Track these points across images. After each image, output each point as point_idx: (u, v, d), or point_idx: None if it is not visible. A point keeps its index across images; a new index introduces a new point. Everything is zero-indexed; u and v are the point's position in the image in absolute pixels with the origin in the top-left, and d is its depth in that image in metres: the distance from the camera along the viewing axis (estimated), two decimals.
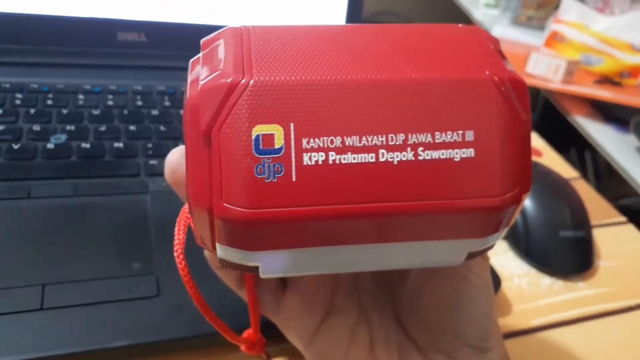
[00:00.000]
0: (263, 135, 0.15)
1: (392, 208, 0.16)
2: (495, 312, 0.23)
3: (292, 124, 0.16)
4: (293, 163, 0.15)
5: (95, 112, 0.42)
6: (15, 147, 0.37)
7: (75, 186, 0.36)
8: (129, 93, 0.46)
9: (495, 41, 0.18)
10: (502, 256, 0.41)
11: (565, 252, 0.40)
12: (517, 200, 0.17)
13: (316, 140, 0.16)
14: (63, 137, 0.39)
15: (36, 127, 0.39)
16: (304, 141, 0.16)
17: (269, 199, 0.15)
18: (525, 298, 0.37)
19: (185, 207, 0.22)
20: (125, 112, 0.43)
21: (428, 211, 0.16)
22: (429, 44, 0.17)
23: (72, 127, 0.40)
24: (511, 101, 0.16)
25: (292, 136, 0.15)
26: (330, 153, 0.16)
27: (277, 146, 0.15)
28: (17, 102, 0.42)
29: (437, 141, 0.16)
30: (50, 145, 0.38)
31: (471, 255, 0.19)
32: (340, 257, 0.18)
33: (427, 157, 0.16)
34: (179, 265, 0.22)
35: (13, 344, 0.26)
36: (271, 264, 0.18)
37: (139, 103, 0.45)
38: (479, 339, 0.23)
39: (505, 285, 0.38)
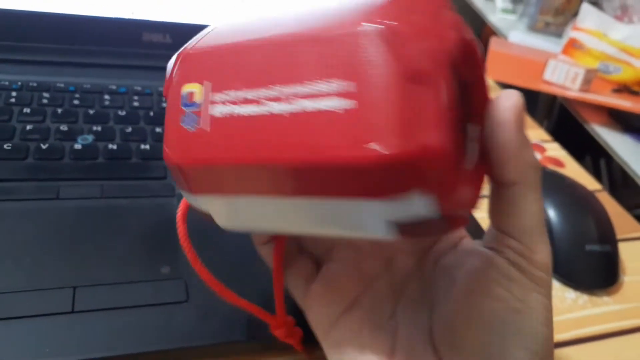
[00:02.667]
0: (188, 92, 0.19)
1: (281, 158, 0.17)
2: (545, 347, 0.21)
3: (207, 82, 0.18)
4: (207, 114, 0.18)
5: (121, 113, 0.43)
6: (44, 147, 0.37)
7: (102, 188, 0.36)
8: (154, 94, 0.46)
9: None
10: None
11: (591, 267, 0.39)
12: (414, 158, 0.15)
13: (222, 95, 0.18)
14: (90, 138, 0.39)
15: (63, 127, 0.39)
16: (215, 96, 0.18)
17: (190, 146, 0.18)
18: None
19: None
20: (151, 113, 0.43)
21: (315, 162, 0.16)
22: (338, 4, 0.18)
23: (99, 128, 0.40)
24: (401, 51, 0.15)
25: (207, 92, 0.18)
26: (233, 106, 0.18)
27: (196, 101, 0.18)
28: (45, 101, 0.42)
29: (319, 92, 0.16)
30: (77, 146, 0.38)
31: (402, 230, 0.17)
32: (261, 209, 0.19)
33: (310, 108, 0.16)
34: (178, 228, 0.24)
35: (45, 346, 0.26)
36: (216, 212, 0.21)
37: (164, 105, 0.44)
38: None
39: None
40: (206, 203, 0.20)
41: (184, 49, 0.20)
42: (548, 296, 0.22)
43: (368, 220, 0.18)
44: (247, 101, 0.17)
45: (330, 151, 0.16)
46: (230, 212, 0.20)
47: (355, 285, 0.25)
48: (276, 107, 0.17)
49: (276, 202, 0.18)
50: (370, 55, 0.15)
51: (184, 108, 0.18)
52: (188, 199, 0.21)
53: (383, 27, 0.16)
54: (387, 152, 0.15)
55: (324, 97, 0.16)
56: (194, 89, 0.18)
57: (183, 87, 0.19)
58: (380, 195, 0.16)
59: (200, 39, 0.20)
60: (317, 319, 0.25)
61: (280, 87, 0.17)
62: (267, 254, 0.26)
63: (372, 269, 0.26)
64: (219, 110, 0.18)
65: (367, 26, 0.16)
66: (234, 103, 0.17)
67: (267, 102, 0.17)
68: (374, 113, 0.15)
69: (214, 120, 0.18)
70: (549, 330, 0.21)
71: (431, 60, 0.15)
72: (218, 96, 0.18)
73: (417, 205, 0.16)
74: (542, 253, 0.21)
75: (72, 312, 0.28)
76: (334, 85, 0.16)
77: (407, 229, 0.17)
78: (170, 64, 0.20)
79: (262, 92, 0.17)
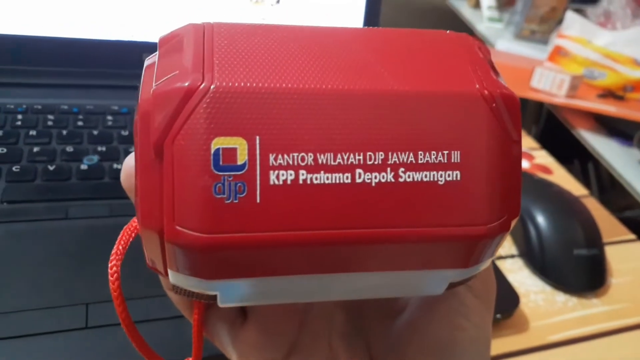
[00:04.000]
0: (224, 149, 0.13)
1: (369, 235, 0.14)
2: None
3: (257, 137, 0.14)
4: (258, 182, 0.13)
5: (124, 133, 0.44)
6: (51, 168, 0.39)
7: (110, 207, 0.37)
8: None
9: (486, 51, 0.17)
10: (519, 273, 0.42)
11: (580, 270, 0.41)
12: (506, 228, 0.15)
13: (285, 156, 0.14)
14: (95, 158, 0.41)
15: (69, 149, 0.41)
16: (271, 157, 0.14)
17: (228, 223, 0.13)
18: (541, 314, 0.39)
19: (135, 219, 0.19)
20: None
21: (408, 239, 0.14)
22: (414, 52, 0.16)
23: (103, 148, 0.42)
24: (502, 119, 0.15)
25: (258, 151, 0.14)
26: (301, 172, 0.14)
27: (239, 162, 0.14)
28: (50, 123, 0.43)
29: (419, 162, 0.14)
30: (83, 166, 0.40)
31: (452, 285, 0.17)
32: (309, 286, 0.16)
33: (408, 179, 0.14)
34: (110, 279, 0.19)
35: None
36: (231, 293, 0.16)
37: None
38: None
39: (522, 302, 0.39)
40: (220, 287, 0.16)
41: (195, 82, 0.14)
42: (492, 317, 0.22)
43: (438, 283, 0.17)
44: (320, 167, 0.14)
45: (434, 225, 0.14)
46: (252, 292, 0.16)
47: (290, 325, 0.22)
48: (363, 176, 0.14)
49: (332, 278, 0.16)
50: (481, 124, 0.15)
51: (216, 171, 0.13)
52: (182, 282, 0.16)
53: (494, 92, 0.15)
54: (492, 226, 0.15)
55: (430, 167, 0.14)
56: (234, 145, 0.13)
57: (214, 142, 0.13)
58: (469, 265, 0.16)
59: (206, 58, 0.14)
60: None
61: (369, 152, 0.14)
62: (176, 298, 0.22)
63: (301, 302, 0.22)
64: (275, 177, 0.14)
65: (480, 90, 0.15)
66: (299, 168, 0.14)
67: (351, 168, 0.14)
68: (480, 185, 0.14)
69: (268, 189, 0.13)
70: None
71: (518, 126, 0.15)
72: (275, 157, 0.14)
73: (485, 265, 0.17)
74: (492, 273, 0.21)
75: (86, 327, 0.29)
76: (441, 154, 0.14)
77: (456, 284, 0.17)
78: (162, 94, 0.14)
79: (345, 157, 0.14)
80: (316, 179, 0.14)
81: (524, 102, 1.08)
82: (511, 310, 0.37)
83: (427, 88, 0.15)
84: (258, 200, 0.13)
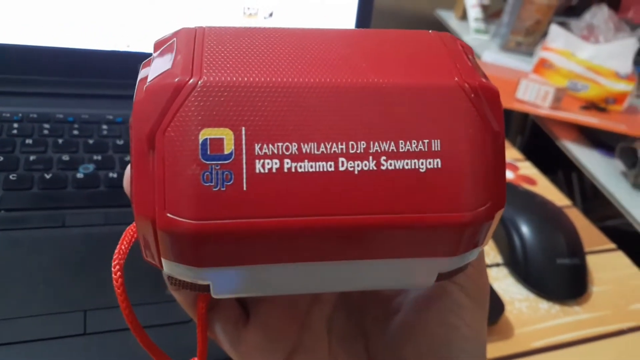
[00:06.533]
0: (211, 139, 0.14)
1: (352, 222, 0.14)
2: None
3: (243, 128, 0.14)
4: (244, 170, 0.14)
5: (119, 142, 0.45)
6: (48, 176, 0.39)
7: (106, 215, 0.38)
8: None
9: (468, 49, 0.17)
10: (503, 281, 0.43)
11: (562, 279, 0.43)
12: (490, 216, 0.15)
13: (270, 146, 0.14)
14: (91, 167, 0.41)
15: (65, 157, 0.42)
16: (257, 147, 0.14)
17: (216, 210, 0.14)
18: (525, 321, 0.40)
19: None
20: None
21: (392, 226, 0.15)
22: (396, 48, 0.16)
23: (99, 157, 0.42)
24: (482, 110, 0.15)
25: (244, 141, 0.14)
26: (286, 160, 0.14)
27: (226, 152, 0.14)
28: (45, 132, 0.44)
29: (401, 150, 0.15)
30: (79, 175, 0.40)
31: (442, 277, 0.18)
32: (298, 275, 0.16)
33: (390, 167, 0.15)
34: (114, 277, 0.20)
35: None
36: (223, 282, 0.17)
37: None
38: None
39: (506, 309, 0.40)
40: (212, 276, 0.16)
41: (184, 78, 0.15)
42: (486, 316, 0.22)
43: (426, 273, 0.17)
44: (304, 156, 0.14)
45: (417, 212, 0.15)
46: (244, 282, 0.17)
47: (292, 326, 0.23)
48: (346, 164, 0.14)
49: (320, 267, 0.16)
50: (460, 114, 0.15)
51: (204, 160, 0.14)
52: (175, 271, 0.16)
53: (473, 84, 0.15)
54: (474, 212, 0.15)
55: (411, 156, 0.15)
56: (221, 135, 0.14)
57: (202, 132, 0.14)
58: (455, 253, 0.16)
59: (195, 57, 0.15)
60: None
61: (352, 142, 0.15)
62: (178, 295, 0.23)
63: (302, 303, 0.24)
64: (261, 165, 0.14)
65: (459, 82, 0.15)
66: (284, 157, 0.14)
67: (334, 157, 0.15)
68: (460, 173, 0.15)
69: (254, 177, 0.14)
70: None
71: (500, 117, 0.16)
72: (260, 147, 0.14)
73: (472, 255, 0.17)
74: (484, 273, 0.22)
75: (85, 334, 0.30)
76: (422, 143, 0.15)
77: (445, 276, 0.18)
78: (154, 90, 0.15)
79: (328, 146, 0.15)
80: (300, 167, 0.14)
81: (510, 113, 1.10)
82: (496, 317, 0.39)
83: (407, 80, 0.15)
84: (245, 188, 0.14)
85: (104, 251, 0.35)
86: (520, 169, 0.60)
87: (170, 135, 0.14)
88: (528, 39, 1.26)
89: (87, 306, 0.31)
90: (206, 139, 0.14)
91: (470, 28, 1.37)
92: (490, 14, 1.43)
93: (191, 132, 0.14)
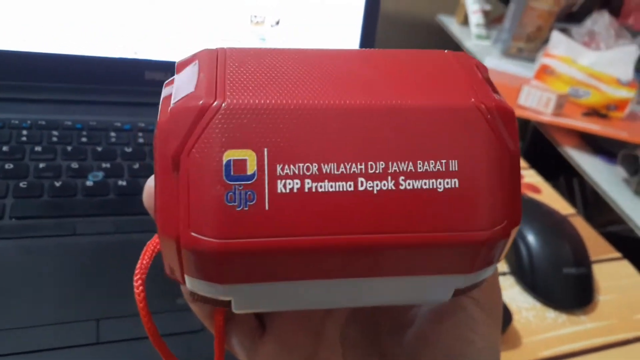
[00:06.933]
0: (234, 160, 0.15)
1: (372, 241, 0.15)
2: None
3: (265, 149, 0.15)
4: (266, 190, 0.15)
5: (128, 149, 0.45)
6: (57, 184, 0.39)
7: (116, 223, 0.38)
8: None
9: (483, 68, 0.18)
10: (510, 290, 0.44)
11: (569, 288, 0.43)
12: (506, 234, 0.16)
13: (291, 166, 0.15)
14: (100, 175, 0.41)
15: (74, 165, 0.42)
16: (278, 167, 0.15)
17: (239, 229, 0.14)
18: (532, 330, 0.40)
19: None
20: None
21: (411, 244, 0.15)
22: (413, 69, 0.17)
23: (108, 165, 0.43)
24: (498, 130, 0.16)
25: (266, 162, 0.15)
26: (306, 181, 0.15)
27: (249, 172, 0.15)
28: (54, 139, 0.44)
29: (419, 170, 0.15)
30: (89, 183, 0.40)
31: (458, 292, 0.18)
32: (318, 292, 0.17)
33: (408, 187, 0.15)
34: (136, 291, 0.21)
35: None
36: (244, 298, 0.17)
37: None
38: None
39: (514, 318, 0.41)
40: (234, 292, 0.16)
41: (208, 100, 0.15)
42: (500, 329, 0.22)
43: (443, 290, 0.17)
44: (324, 176, 0.15)
45: (436, 230, 0.15)
46: (264, 298, 0.17)
47: (307, 337, 0.23)
48: (365, 184, 0.15)
49: (339, 283, 0.16)
50: (477, 135, 0.15)
51: (228, 181, 0.14)
52: (198, 287, 0.17)
53: (490, 105, 0.16)
54: (491, 231, 0.15)
55: (429, 176, 0.15)
56: (244, 157, 0.15)
57: (225, 154, 0.14)
58: (472, 270, 0.16)
59: (218, 79, 0.16)
60: None
61: (371, 162, 0.15)
62: (196, 308, 0.23)
63: (316, 315, 0.24)
64: (282, 185, 0.15)
65: (476, 103, 0.16)
66: (305, 177, 0.15)
67: (354, 177, 0.15)
68: (477, 192, 0.15)
69: (276, 197, 0.14)
70: None
71: (515, 136, 0.16)
72: (282, 167, 0.15)
73: (489, 272, 0.17)
74: (498, 287, 0.22)
75: (97, 343, 0.30)
76: (439, 163, 0.15)
77: (461, 291, 0.18)
78: (178, 111, 0.15)
79: (347, 167, 0.15)
80: (321, 187, 0.15)
81: None
82: (504, 326, 0.39)
83: (424, 102, 0.16)
84: (267, 208, 0.14)
85: (115, 259, 0.35)
86: (524, 177, 0.60)
87: (195, 157, 0.15)
88: (529, 45, 1.27)
89: (99, 315, 0.32)
90: (230, 160, 0.14)
91: (472, 34, 1.37)
92: (492, 19, 1.43)
93: (215, 154, 0.14)
